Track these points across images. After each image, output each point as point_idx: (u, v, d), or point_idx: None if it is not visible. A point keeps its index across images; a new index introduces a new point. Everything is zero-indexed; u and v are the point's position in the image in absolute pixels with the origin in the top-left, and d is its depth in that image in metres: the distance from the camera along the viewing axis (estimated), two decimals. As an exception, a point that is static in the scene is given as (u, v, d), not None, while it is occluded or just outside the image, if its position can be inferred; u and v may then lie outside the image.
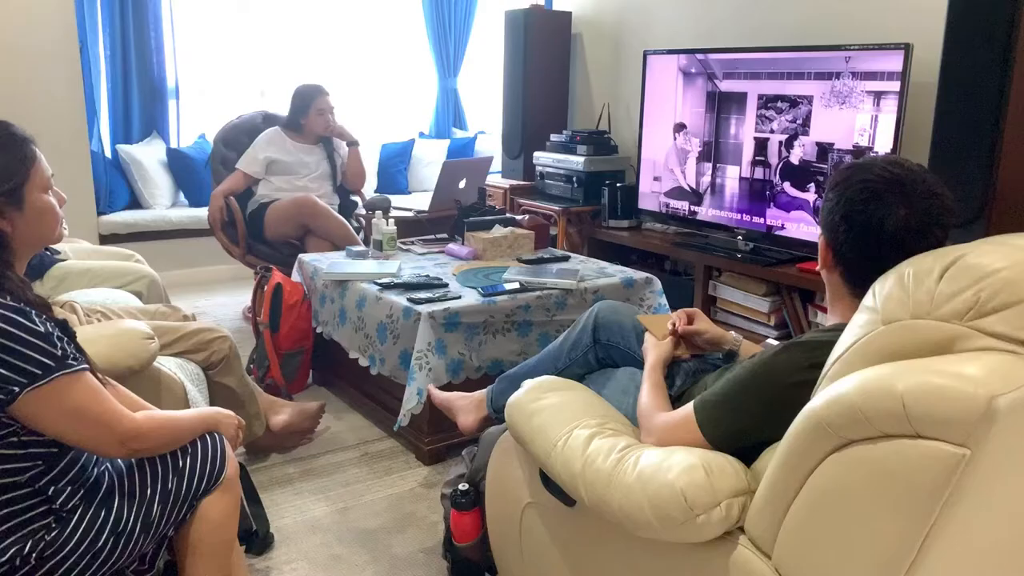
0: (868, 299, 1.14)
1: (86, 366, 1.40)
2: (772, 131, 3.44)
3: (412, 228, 3.79)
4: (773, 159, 3.45)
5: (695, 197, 3.83)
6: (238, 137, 3.94)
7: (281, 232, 3.67)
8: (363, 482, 2.40)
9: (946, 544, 0.98)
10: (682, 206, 3.89)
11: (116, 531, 1.45)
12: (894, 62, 2.98)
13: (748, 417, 1.29)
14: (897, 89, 2.98)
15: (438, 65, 5.74)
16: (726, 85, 3.61)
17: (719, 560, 1.21)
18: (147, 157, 4.68)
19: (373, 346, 2.60)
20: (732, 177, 3.64)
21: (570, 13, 4.84)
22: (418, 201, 4.42)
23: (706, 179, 3.76)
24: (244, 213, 3.73)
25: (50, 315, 1.40)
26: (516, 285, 2.64)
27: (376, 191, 5.19)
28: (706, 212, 3.78)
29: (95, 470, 1.49)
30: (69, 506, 1.42)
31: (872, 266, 1.21)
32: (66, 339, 1.39)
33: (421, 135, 5.83)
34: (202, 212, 4.61)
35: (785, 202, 3.42)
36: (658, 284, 2.90)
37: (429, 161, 5.60)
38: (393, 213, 3.53)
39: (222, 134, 3.95)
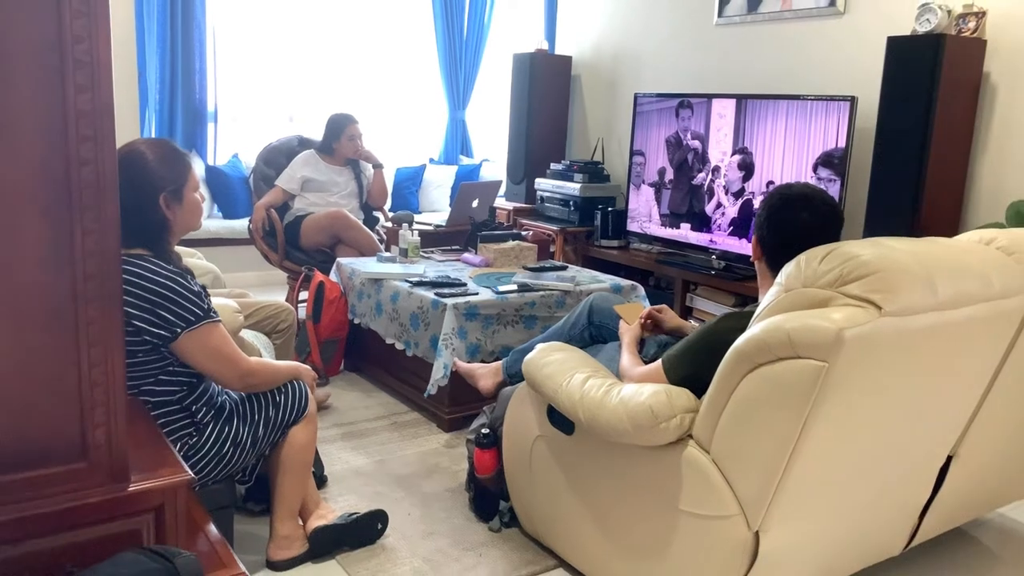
0: (779, 277, 1.68)
1: (220, 319, 1.92)
2: (742, 166, 4.01)
3: (429, 240, 4.32)
4: (739, 189, 4.02)
5: (676, 222, 4.39)
6: (277, 158, 4.48)
7: (315, 241, 4.19)
8: (395, 443, 2.91)
9: (816, 429, 1.52)
10: (665, 230, 4.45)
11: (235, 443, 1.97)
12: (842, 112, 3.56)
13: (698, 363, 1.82)
14: (845, 134, 3.56)
15: (448, 98, 6.31)
16: (704, 125, 4.19)
17: (675, 458, 1.73)
18: (188, 173, 5.20)
19: (408, 333, 3.12)
20: (709, 206, 4.21)
21: (571, 57, 5.45)
22: (429, 220, 4.96)
23: (686, 207, 4.33)
24: (281, 224, 4.26)
25: (195, 280, 1.93)
26: (520, 286, 3.17)
27: (390, 210, 5.72)
28: (686, 235, 4.34)
29: (219, 398, 2.01)
30: (204, 421, 1.94)
31: (784, 253, 1.75)
32: (208, 297, 1.91)
33: (431, 161, 6.38)
34: (235, 223, 5.16)
35: (752, 227, 3.98)
36: (642, 290, 3.44)
37: (438, 184, 6.15)
38: (414, 227, 4.05)
39: (263, 154, 4.48)
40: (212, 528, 1.63)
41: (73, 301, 1.28)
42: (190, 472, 1.44)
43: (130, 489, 1.37)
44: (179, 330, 1.82)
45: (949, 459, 1.99)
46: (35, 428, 1.29)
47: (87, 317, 1.30)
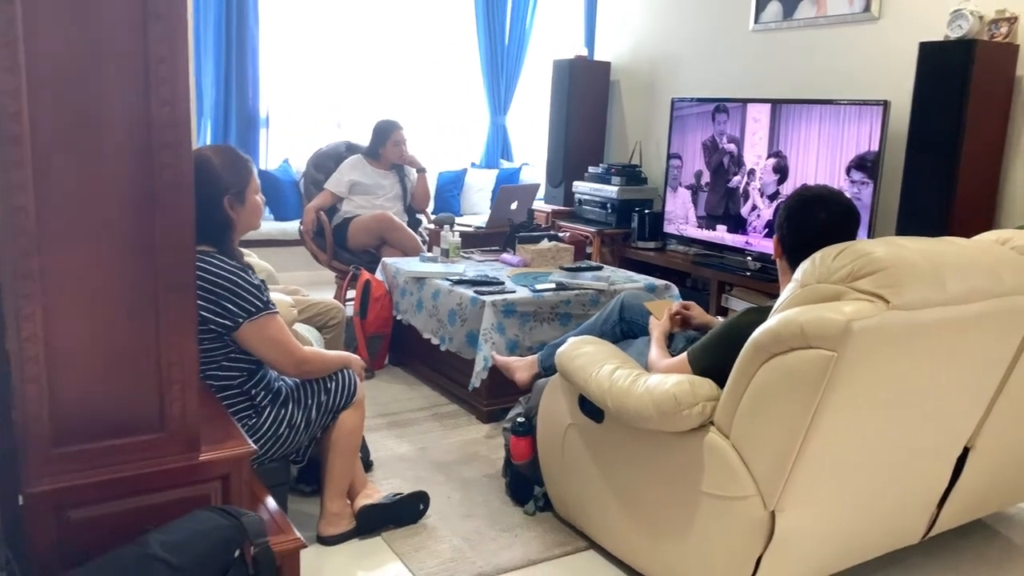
0: (796, 274, 1.79)
1: (278, 311, 2.09)
2: (777, 169, 4.09)
3: (468, 241, 4.47)
4: (774, 192, 4.09)
5: (712, 224, 4.48)
6: (325, 163, 4.68)
7: (362, 242, 4.38)
8: (436, 432, 3.07)
9: (827, 415, 1.62)
10: (701, 232, 4.54)
11: (290, 425, 2.13)
12: (875, 116, 3.62)
13: (720, 354, 1.92)
14: (878, 138, 3.62)
15: (490, 104, 6.47)
16: (739, 129, 4.28)
17: (697, 443, 1.84)
18: (241, 177, 5.44)
19: (444, 328, 3.28)
20: (745, 208, 4.29)
21: (609, 63, 5.57)
22: (469, 222, 5.12)
23: (722, 209, 4.41)
24: (330, 226, 4.45)
25: (255, 274, 2.10)
26: (556, 284, 3.31)
27: (433, 212, 5.90)
28: (722, 237, 4.42)
29: (276, 383, 2.18)
30: (262, 404, 2.11)
31: (803, 251, 1.85)
32: (266, 291, 2.08)
33: (473, 165, 6.55)
34: (286, 225, 5.38)
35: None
36: (675, 289, 3.54)
37: (479, 188, 6.31)
38: (456, 228, 4.22)
39: (313, 160, 4.69)
40: (270, 500, 1.80)
41: (154, 289, 1.46)
42: (252, 445, 1.60)
43: (201, 458, 1.54)
44: (241, 320, 1.99)
45: (967, 451, 2.06)
46: (121, 402, 1.47)
47: (166, 304, 1.47)
